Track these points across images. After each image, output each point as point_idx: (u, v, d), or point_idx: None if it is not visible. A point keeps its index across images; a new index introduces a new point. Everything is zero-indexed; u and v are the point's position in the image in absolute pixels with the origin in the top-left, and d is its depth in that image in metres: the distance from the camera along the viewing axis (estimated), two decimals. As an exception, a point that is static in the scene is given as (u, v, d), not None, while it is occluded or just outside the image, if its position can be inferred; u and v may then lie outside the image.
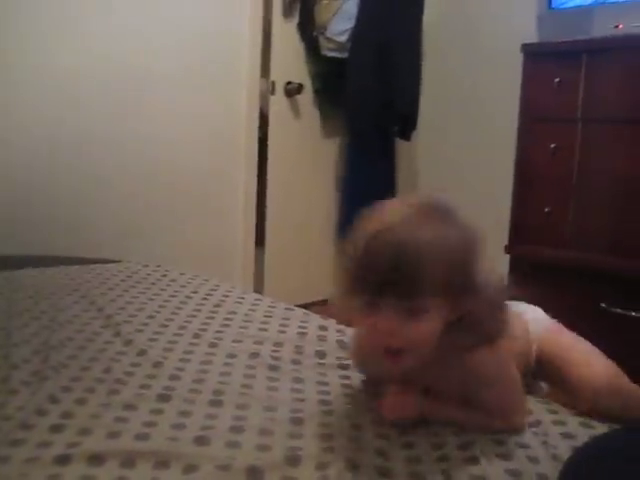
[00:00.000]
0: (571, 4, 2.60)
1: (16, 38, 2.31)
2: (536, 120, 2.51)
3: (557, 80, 2.40)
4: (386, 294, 0.87)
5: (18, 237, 2.31)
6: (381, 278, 0.87)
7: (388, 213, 0.92)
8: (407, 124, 3.12)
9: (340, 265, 0.97)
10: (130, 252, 2.52)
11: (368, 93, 3.01)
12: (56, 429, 0.96)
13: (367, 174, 2.89)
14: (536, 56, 2.51)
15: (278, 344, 1.38)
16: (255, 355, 1.31)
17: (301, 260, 3.21)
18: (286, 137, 3.08)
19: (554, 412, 1.08)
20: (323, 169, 3.26)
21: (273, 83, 2.98)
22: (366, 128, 3.05)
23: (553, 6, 2.66)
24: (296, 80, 3.03)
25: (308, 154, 3.18)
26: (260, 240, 3.08)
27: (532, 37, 2.83)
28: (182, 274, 1.93)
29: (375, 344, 0.96)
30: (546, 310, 2.61)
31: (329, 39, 3.01)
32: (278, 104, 3.02)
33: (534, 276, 2.54)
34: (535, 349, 1.16)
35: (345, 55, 3.02)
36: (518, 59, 2.54)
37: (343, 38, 3.00)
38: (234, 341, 1.38)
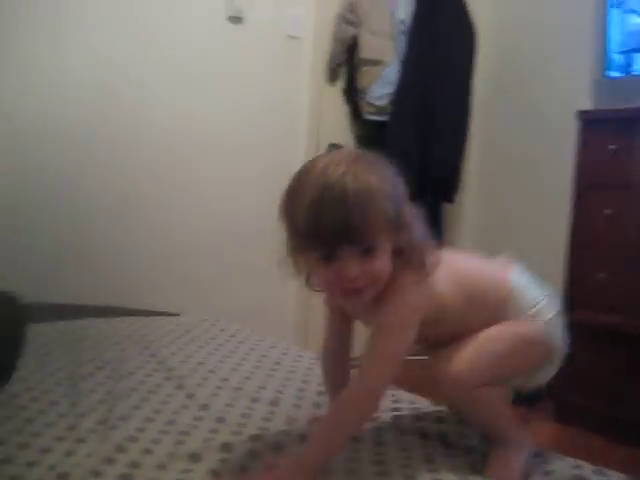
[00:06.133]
0: (626, 72, 2.63)
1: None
2: (591, 186, 2.51)
3: (612, 147, 2.42)
4: (341, 243, 0.95)
5: (70, 285, 2.40)
6: (334, 231, 0.93)
7: (320, 174, 0.96)
8: (446, 187, 3.13)
9: (283, 230, 1.02)
10: (185, 302, 2.59)
11: (407, 157, 3.06)
12: (125, 478, 1.00)
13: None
14: (592, 123, 2.52)
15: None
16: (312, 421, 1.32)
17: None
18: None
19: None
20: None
21: (317, 145, 3.10)
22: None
23: (608, 74, 2.69)
24: (341, 142, 3.13)
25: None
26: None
27: (585, 103, 2.86)
28: (238, 330, 1.97)
29: (337, 290, 1.01)
30: (599, 373, 2.52)
31: (369, 103, 3.11)
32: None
33: (588, 342, 2.50)
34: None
35: (386, 118, 3.11)
36: (571, 124, 2.56)
37: (382, 102, 3.09)
38: (293, 405, 1.40)
